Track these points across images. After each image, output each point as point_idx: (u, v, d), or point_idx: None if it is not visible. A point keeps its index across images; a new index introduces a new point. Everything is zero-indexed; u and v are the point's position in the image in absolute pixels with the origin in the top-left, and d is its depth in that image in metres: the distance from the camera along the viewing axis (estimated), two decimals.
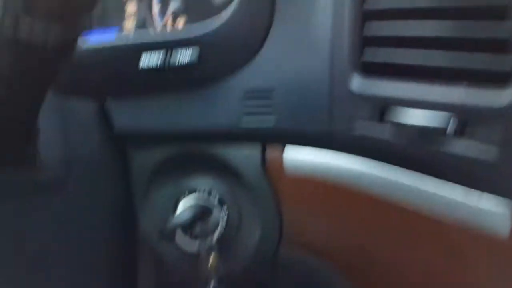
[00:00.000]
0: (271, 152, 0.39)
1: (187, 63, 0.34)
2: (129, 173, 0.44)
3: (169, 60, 0.35)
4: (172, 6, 0.38)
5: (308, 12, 0.32)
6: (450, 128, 0.25)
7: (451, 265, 0.30)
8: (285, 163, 0.37)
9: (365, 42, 0.29)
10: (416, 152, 0.27)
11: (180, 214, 0.40)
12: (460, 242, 0.29)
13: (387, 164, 0.31)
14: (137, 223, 0.45)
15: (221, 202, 0.43)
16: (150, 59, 0.35)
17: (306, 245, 0.41)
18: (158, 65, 0.35)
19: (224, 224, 0.43)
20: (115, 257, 0.44)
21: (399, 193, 0.30)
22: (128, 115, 0.41)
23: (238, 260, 0.44)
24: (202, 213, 0.41)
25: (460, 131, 0.25)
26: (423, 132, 0.25)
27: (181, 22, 0.38)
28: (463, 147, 0.25)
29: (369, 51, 0.29)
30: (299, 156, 0.36)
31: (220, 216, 0.42)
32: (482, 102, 0.23)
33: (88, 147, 0.41)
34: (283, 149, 0.38)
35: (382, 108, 0.28)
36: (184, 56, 0.34)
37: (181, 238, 0.42)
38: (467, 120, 0.24)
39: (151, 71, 0.36)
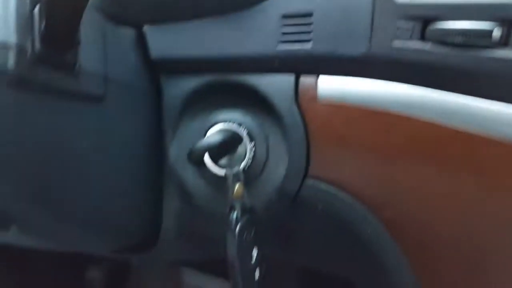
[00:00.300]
0: (304, 82, 0.39)
1: None
2: (161, 102, 0.45)
3: None
4: None
5: None
6: (496, 34, 0.24)
7: (485, 192, 0.30)
8: (319, 88, 0.37)
9: None
10: (458, 66, 0.27)
11: (210, 136, 0.40)
12: (497, 166, 0.29)
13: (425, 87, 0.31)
14: (165, 152, 0.46)
15: (250, 137, 0.43)
16: None
17: (333, 181, 0.41)
18: None
19: (251, 157, 0.43)
20: (142, 181, 0.45)
21: (438, 111, 0.30)
22: (164, 41, 0.42)
23: (261, 196, 0.44)
24: (231, 139, 0.41)
25: (505, 40, 0.24)
26: (467, 37, 0.25)
27: None
28: (507, 55, 0.24)
29: None
30: (333, 83, 0.36)
31: (248, 148, 0.43)
32: None
33: (125, 70, 0.41)
34: (317, 79, 0.38)
35: (426, 22, 0.28)
36: None
37: (208, 165, 0.43)
38: None
39: None
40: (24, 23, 0.30)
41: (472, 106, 0.28)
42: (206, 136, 0.43)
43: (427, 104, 0.31)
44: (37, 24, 0.31)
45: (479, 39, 0.24)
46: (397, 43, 0.30)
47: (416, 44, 0.28)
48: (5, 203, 0.34)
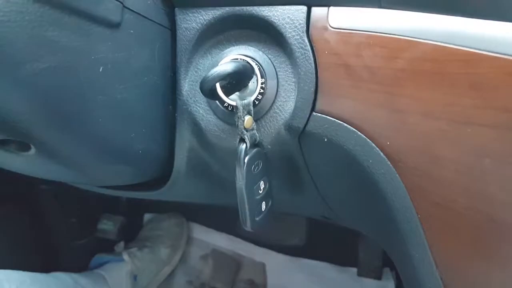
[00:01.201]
0: (316, 12, 0.40)
1: None
2: (175, 36, 0.46)
3: None
4: None
5: None
6: None
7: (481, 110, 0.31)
8: (330, 17, 0.38)
9: None
10: None
11: (222, 65, 0.41)
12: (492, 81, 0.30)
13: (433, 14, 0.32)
14: (178, 87, 0.48)
15: (260, 72, 0.44)
16: None
17: (339, 114, 0.42)
18: None
19: (261, 92, 0.44)
20: (155, 112, 0.47)
21: (440, 33, 0.31)
22: None
23: (270, 130, 0.45)
24: (243, 70, 0.42)
25: None
26: None
27: None
28: None
29: None
30: (344, 12, 0.37)
31: (258, 83, 0.44)
32: None
33: (141, 0, 0.42)
34: (328, 9, 0.39)
35: None
36: None
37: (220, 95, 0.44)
38: None
39: None
40: None
41: (469, 27, 0.29)
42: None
43: (431, 27, 0.32)
44: None
45: None
46: None
47: None
48: (23, 121, 0.36)
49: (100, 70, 0.39)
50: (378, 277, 1.05)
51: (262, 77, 0.44)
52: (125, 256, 1.04)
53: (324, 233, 1.09)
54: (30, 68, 0.33)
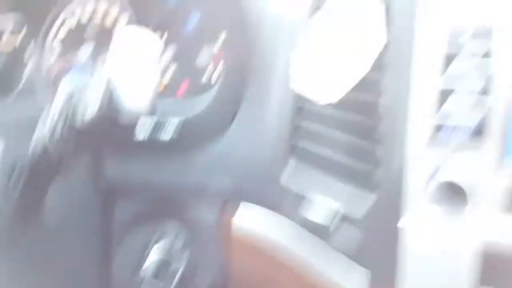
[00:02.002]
0: (226, 212, 0.49)
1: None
2: (111, 220, 0.55)
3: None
4: None
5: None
6: (334, 224, 0.36)
7: None
8: (233, 224, 0.48)
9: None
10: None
11: (146, 267, 0.52)
12: None
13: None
14: (112, 262, 0.56)
15: (184, 246, 0.53)
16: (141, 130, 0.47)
17: None
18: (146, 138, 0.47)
19: (182, 271, 0.53)
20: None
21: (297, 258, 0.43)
22: (118, 171, 0.52)
23: None
24: (165, 265, 0.52)
25: (337, 227, 0.36)
26: (316, 225, 0.37)
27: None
28: (338, 239, 0.36)
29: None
30: (243, 221, 0.48)
31: (179, 264, 0.53)
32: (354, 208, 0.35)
33: (83, 194, 0.52)
34: (235, 211, 0.49)
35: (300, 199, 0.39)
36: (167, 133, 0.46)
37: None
38: (346, 218, 0.35)
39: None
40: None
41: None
42: (146, 253, 0.54)
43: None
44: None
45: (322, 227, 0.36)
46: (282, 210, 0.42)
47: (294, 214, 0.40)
48: None
49: (46, 247, 0.48)
50: None
51: (187, 247, 0.53)
52: None
53: None
54: None
